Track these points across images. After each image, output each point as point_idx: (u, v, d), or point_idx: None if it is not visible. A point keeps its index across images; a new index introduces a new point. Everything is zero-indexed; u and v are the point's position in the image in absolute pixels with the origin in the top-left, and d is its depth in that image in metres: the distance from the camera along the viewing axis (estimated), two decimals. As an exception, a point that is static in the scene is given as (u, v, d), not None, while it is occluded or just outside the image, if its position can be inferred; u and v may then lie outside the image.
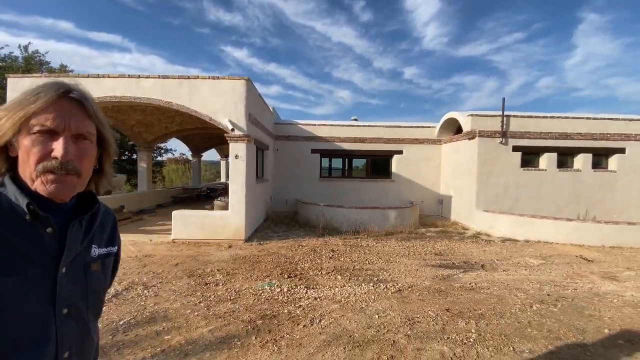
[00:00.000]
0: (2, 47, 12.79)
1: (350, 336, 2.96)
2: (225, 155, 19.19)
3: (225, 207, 7.54)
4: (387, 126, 11.38)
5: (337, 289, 4.25)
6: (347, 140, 11.26)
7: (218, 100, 6.52)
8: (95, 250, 0.80)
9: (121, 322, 3.18)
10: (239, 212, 6.53)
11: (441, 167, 11.25)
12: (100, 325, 3.10)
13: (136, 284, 4.25)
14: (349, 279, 4.63)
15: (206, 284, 4.29)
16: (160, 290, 4.06)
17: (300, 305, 3.66)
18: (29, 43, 14.98)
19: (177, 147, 49.53)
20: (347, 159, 11.88)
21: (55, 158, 0.64)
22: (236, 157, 6.56)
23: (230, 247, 6.22)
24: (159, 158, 18.51)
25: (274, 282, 4.47)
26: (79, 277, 0.74)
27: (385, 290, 4.21)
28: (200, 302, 3.70)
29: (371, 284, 4.40)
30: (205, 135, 13.59)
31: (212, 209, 8.01)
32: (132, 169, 15.10)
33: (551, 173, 9.13)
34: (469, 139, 9.18)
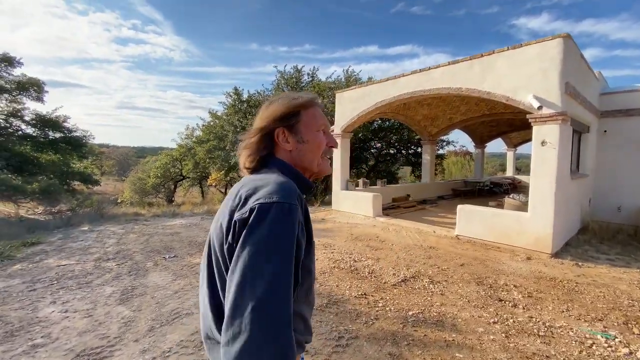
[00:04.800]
0: (332, 74, 18.31)
1: None
2: (513, 144, 16.33)
3: (521, 207, 6.11)
4: None
5: None
6: None
7: (518, 74, 5.24)
8: None
9: (410, 313, 3.17)
10: (543, 216, 4.97)
11: None
12: (389, 310, 3.25)
13: (422, 274, 4.24)
14: None
15: (500, 300, 3.49)
16: (445, 289, 3.77)
17: (696, 406, 2.00)
18: (349, 66, 20.51)
19: (459, 139, 49.22)
20: None
21: None
22: (542, 143, 5.01)
23: (529, 258, 4.88)
24: (440, 151, 18.90)
25: (612, 333, 2.87)
26: None
27: None
28: (494, 323, 3.00)
29: None
30: (492, 122, 12.12)
31: (498, 206, 6.82)
32: (417, 161, 16.42)
33: None
34: None
